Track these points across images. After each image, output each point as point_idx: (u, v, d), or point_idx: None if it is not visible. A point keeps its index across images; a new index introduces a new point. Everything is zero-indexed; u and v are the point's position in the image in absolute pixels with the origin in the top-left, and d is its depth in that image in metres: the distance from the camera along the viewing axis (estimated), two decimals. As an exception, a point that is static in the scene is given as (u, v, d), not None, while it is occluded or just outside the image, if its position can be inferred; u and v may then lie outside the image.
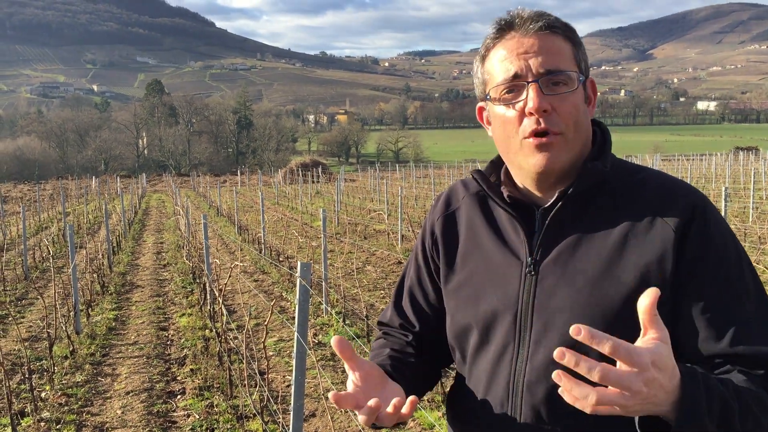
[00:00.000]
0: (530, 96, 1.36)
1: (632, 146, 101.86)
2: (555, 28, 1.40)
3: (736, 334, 1.27)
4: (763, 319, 1.30)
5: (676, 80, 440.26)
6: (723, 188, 10.22)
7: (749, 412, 1.20)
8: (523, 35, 1.39)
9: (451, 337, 1.57)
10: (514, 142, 1.41)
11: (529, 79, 1.37)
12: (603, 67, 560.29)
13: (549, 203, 1.42)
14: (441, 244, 1.60)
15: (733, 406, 1.18)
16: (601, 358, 1.08)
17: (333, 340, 1.32)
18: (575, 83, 1.38)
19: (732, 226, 14.44)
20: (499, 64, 1.41)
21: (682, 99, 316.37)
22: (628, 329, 1.26)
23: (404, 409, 1.30)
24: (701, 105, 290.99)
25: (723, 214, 9.97)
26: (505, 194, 1.47)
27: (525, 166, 1.42)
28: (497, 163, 1.56)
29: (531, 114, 1.36)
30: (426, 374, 1.64)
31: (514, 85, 1.39)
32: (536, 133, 1.37)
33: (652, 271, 1.31)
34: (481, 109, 1.53)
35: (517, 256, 1.45)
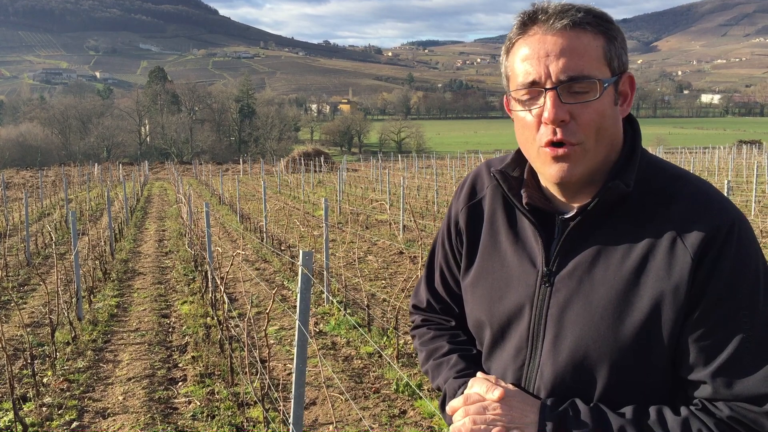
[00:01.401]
0: (547, 105, 1.29)
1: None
2: (583, 23, 1.29)
3: (720, 367, 1.27)
4: (752, 359, 1.26)
5: (680, 73, 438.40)
6: (726, 181, 10.20)
7: None
8: (546, 32, 1.30)
9: (471, 327, 1.60)
10: (532, 149, 1.36)
11: (548, 86, 1.29)
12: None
13: (569, 215, 1.39)
14: (465, 236, 1.58)
15: None
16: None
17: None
18: (598, 90, 1.29)
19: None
20: (520, 65, 1.33)
21: (686, 91, 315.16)
22: (640, 353, 1.31)
23: None
24: (705, 98, 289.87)
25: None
26: (524, 200, 1.43)
27: (543, 173, 1.39)
28: (522, 155, 1.49)
29: (547, 123, 1.31)
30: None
31: (533, 90, 1.32)
32: (552, 143, 1.31)
33: (667, 300, 1.28)
34: (509, 100, 1.44)
35: (534, 264, 1.43)
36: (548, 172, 1.35)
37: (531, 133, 1.34)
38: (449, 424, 1.46)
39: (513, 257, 1.47)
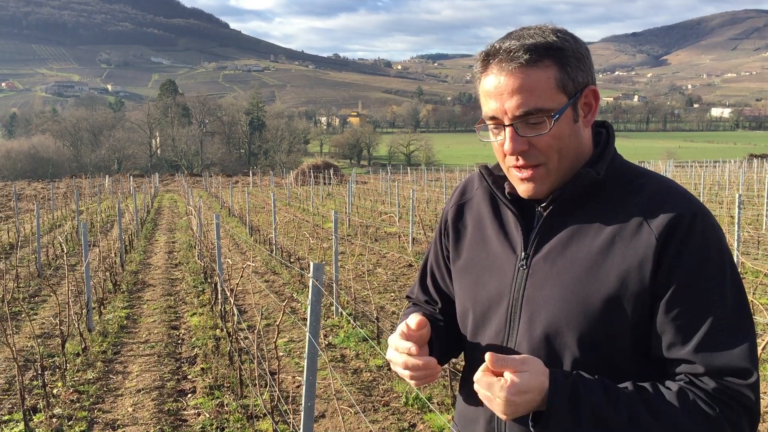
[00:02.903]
0: (506, 139, 1.44)
1: (645, 152, 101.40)
2: (533, 61, 1.40)
3: (699, 343, 1.34)
4: (728, 334, 1.34)
5: (690, 86, 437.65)
6: (737, 195, 10.16)
7: (637, 425, 1.31)
8: (500, 72, 1.42)
9: (458, 317, 1.71)
10: (504, 167, 1.54)
11: (505, 123, 1.43)
12: (617, 72, 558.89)
13: (545, 203, 1.51)
14: (451, 231, 1.72)
15: (608, 415, 1.31)
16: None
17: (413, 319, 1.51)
18: (548, 125, 1.41)
19: (745, 234, 14.14)
20: (483, 98, 1.47)
21: (696, 105, 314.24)
22: (606, 327, 1.41)
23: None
24: (715, 112, 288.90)
25: (736, 221, 9.90)
26: (507, 191, 1.57)
27: (516, 189, 1.53)
28: None
29: (508, 154, 1.46)
30: (453, 338, 1.73)
31: (494, 123, 1.47)
32: (517, 167, 1.47)
33: (632, 276, 1.38)
34: (482, 121, 1.59)
35: (514, 250, 1.55)
36: (518, 189, 1.51)
37: (500, 156, 1.52)
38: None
39: (497, 246, 1.59)
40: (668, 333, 1.36)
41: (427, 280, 1.83)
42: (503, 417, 1.35)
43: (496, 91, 1.43)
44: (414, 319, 1.50)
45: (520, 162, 1.45)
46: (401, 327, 1.53)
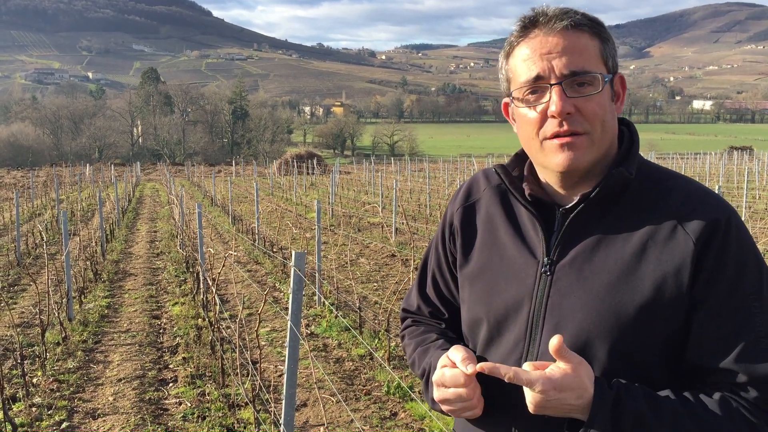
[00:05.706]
0: (553, 99, 1.35)
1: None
2: (581, 25, 1.37)
3: (740, 352, 1.29)
4: None
5: (672, 79, 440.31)
6: (717, 187, 10.26)
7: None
8: (547, 34, 1.37)
9: (465, 327, 1.59)
10: (535, 144, 1.41)
11: (552, 81, 1.35)
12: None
13: (570, 204, 1.42)
14: (459, 235, 1.60)
15: (651, 425, 1.27)
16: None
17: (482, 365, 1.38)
18: (600, 84, 1.36)
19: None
20: (522, 64, 1.39)
21: (677, 98, 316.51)
22: (640, 336, 1.33)
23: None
24: (697, 104, 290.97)
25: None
26: (527, 192, 1.47)
27: (548, 165, 1.41)
28: (522, 156, 1.54)
29: (554, 116, 1.36)
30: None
31: (537, 86, 1.38)
32: (559, 134, 1.36)
33: (669, 282, 1.31)
34: (506, 104, 1.50)
35: (534, 255, 1.45)
36: (554, 162, 1.39)
37: (534, 129, 1.40)
38: (432, 402, 1.49)
39: (513, 250, 1.49)
40: (708, 342, 1.31)
41: (427, 287, 1.70)
42: (531, 409, 1.30)
43: (542, 50, 1.36)
44: (457, 354, 1.42)
45: (564, 127, 1.35)
46: (443, 363, 1.44)
